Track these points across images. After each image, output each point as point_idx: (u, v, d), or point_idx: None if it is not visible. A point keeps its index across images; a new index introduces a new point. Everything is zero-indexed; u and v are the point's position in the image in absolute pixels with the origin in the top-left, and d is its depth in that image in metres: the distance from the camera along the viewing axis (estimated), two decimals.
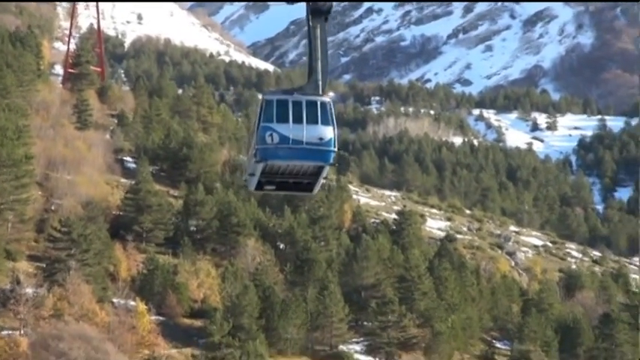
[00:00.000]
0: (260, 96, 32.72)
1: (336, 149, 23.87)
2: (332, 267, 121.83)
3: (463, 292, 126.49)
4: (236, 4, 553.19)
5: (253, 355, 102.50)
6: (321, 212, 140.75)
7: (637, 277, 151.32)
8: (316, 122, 23.14)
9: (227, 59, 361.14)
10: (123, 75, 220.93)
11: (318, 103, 23.33)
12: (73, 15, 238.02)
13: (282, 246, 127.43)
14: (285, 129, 22.80)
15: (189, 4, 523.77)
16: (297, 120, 22.91)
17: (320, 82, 23.76)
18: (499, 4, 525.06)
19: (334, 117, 24.03)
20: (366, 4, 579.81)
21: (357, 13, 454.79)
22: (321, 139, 23.06)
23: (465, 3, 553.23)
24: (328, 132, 23.33)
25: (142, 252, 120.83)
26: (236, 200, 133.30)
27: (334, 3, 25.21)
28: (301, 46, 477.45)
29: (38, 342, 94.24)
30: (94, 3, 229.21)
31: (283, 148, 22.81)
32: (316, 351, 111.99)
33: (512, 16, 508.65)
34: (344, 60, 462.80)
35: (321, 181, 25.38)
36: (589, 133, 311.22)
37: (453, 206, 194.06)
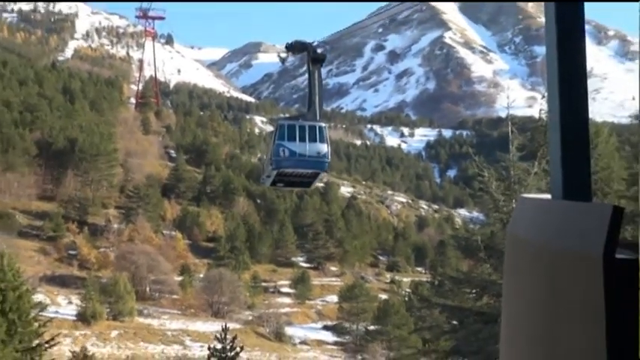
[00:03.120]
0: (272, 122, 31.54)
1: (329, 160, 23.44)
2: (287, 213, 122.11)
3: (361, 228, 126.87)
4: (234, 63, 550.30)
5: (242, 263, 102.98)
6: None
7: (459, 220, 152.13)
8: (315, 141, 22.43)
9: (228, 95, 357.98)
10: (169, 103, 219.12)
11: (317, 127, 22.63)
12: (140, 69, 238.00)
13: (259, 201, 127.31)
14: (293, 146, 22.17)
15: (206, 62, 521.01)
16: (302, 139, 22.29)
17: (317, 112, 23.10)
18: (382, 65, 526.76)
19: (328, 137, 23.15)
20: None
21: (303, 69, 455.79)
22: (319, 153, 22.40)
23: (364, 63, 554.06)
24: (324, 148, 22.60)
25: (179, 204, 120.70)
26: (233, 175, 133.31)
27: (327, 54, 23.91)
28: (271, 88, 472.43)
29: (120, 255, 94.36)
30: (154, 64, 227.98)
31: (292, 160, 22.19)
32: (278, 261, 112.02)
33: (389, 72, 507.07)
34: (294, 96, 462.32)
35: (317, 180, 25.05)
36: (432, 138, 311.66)
37: (356, 180, 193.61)
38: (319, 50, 23.10)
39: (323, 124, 23.13)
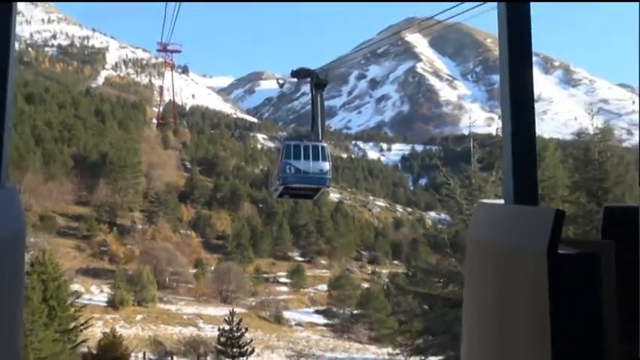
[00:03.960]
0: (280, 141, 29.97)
1: (330, 177, 22.96)
2: (285, 215, 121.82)
3: (347, 227, 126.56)
4: (240, 89, 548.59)
5: (246, 257, 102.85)
6: None
7: (429, 221, 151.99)
8: (318, 159, 21.97)
9: (235, 116, 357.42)
10: (185, 123, 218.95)
11: (319, 147, 22.14)
12: (161, 94, 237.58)
13: (260, 205, 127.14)
14: (298, 163, 21.77)
15: (216, 88, 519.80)
16: (306, 158, 21.85)
17: (320, 132, 22.59)
18: (364, 91, 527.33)
19: (329, 155, 22.62)
20: (303, 90, 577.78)
21: (298, 94, 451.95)
22: (321, 170, 21.99)
23: (349, 89, 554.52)
24: (326, 166, 22.19)
25: (194, 208, 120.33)
26: (239, 183, 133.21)
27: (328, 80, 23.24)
28: (271, 110, 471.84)
29: (143, 251, 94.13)
30: (172, 90, 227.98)
31: (297, 176, 21.82)
32: (277, 256, 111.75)
33: (370, 97, 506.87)
34: (291, 117, 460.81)
35: (319, 193, 24.34)
36: (406, 152, 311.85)
37: (342, 187, 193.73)
38: (321, 77, 22.74)
39: (325, 144, 22.65)
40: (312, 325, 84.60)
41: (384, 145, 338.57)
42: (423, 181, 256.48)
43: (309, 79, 22.51)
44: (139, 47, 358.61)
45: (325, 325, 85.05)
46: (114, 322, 67.24)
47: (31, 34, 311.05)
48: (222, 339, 59.86)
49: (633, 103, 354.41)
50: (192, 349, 62.32)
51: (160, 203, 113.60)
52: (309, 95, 22.98)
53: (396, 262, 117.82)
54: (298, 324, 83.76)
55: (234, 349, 59.23)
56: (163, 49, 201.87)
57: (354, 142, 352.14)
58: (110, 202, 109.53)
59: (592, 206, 43.23)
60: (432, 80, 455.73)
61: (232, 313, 63.99)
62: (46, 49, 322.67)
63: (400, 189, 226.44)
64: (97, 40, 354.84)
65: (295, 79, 24.22)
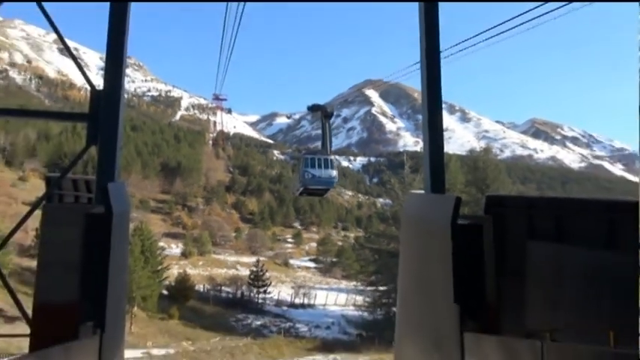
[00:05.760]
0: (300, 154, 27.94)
1: (337, 180, 20.98)
2: (290, 201, 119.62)
3: (328, 208, 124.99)
4: (263, 122, 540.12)
5: (267, 226, 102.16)
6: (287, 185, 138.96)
7: (379, 204, 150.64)
8: (328, 168, 20.43)
9: (259, 139, 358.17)
10: (229, 144, 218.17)
11: (329, 159, 20.55)
12: (214, 126, 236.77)
13: (275, 194, 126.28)
14: (314, 171, 20.30)
15: (249, 122, 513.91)
16: (320, 167, 20.37)
17: (328, 149, 20.86)
18: (339, 124, 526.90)
19: (336, 165, 20.90)
20: (302, 123, 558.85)
21: (299, 126, 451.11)
22: (330, 176, 20.33)
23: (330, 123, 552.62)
24: (334, 172, 20.43)
25: (234, 196, 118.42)
26: (262, 180, 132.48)
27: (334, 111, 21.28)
28: (282, 136, 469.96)
29: (203, 222, 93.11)
30: (221, 124, 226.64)
31: (313, 180, 20.19)
32: (285, 225, 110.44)
33: (343, 128, 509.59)
34: (294, 140, 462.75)
35: (329, 192, 22.12)
36: (365, 162, 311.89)
37: None
38: (329, 109, 21.12)
39: (333, 157, 21.16)
40: (307, 268, 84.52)
41: (352, 158, 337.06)
42: (375, 180, 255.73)
43: (319, 112, 20.93)
44: (202, 96, 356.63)
45: (315, 268, 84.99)
46: (184, 266, 66.99)
47: (135, 89, 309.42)
48: (252, 276, 60.00)
49: (504, 132, 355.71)
50: (233, 282, 62.25)
51: (213, 193, 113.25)
52: (308, 127, 22.34)
53: (359, 229, 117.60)
54: (298, 267, 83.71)
55: (259, 282, 59.37)
56: (216, 98, 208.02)
57: (333, 156, 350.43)
58: (183, 192, 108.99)
59: (478, 195, 43.51)
60: (381, 118, 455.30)
61: (258, 261, 64.19)
62: (144, 97, 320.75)
63: (361, 184, 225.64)
64: (175, 92, 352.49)
65: (297, 116, 23.61)
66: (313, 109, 21.20)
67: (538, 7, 9.26)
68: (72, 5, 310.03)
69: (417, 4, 8.63)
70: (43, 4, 7.48)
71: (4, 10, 7.46)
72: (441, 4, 8.26)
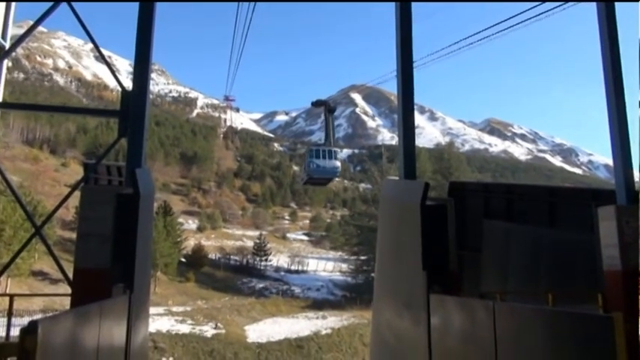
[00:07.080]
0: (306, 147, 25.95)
1: (339, 170, 20.08)
2: (288, 185, 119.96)
3: (319, 190, 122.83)
4: (265, 119, 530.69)
5: (268, 205, 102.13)
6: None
7: (361, 188, 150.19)
8: (331, 159, 19.59)
9: (262, 134, 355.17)
10: (237, 138, 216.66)
11: (332, 151, 19.73)
12: (225, 122, 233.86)
13: (276, 179, 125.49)
14: (319, 162, 19.31)
15: (254, 119, 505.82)
16: (324, 157, 19.39)
17: (332, 141, 20.19)
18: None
19: (338, 156, 20.13)
20: (298, 120, 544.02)
21: (295, 122, 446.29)
22: (333, 166, 19.49)
23: (321, 121, 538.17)
24: (337, 163, 19.65)
25: (241, 180, 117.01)
26: (264, 167, 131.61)
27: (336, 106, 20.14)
28: (281, 131, 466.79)
29: (215, 202, 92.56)
30: (230, 120, 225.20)
31: (318, 170, 19.19)
32: (283, 205, 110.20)
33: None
34: (291, 135, 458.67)
35: (331, 181, 21.27)
36: (350, 153, 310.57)
37: None
38: (331, 105, 20.41)
39: (336, 149, 20.21)
40: (301, 240, 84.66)
41: (339, 150, 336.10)
42: (358, 168, 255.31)
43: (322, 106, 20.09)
44: (214, 97, 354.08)
45: (308, 240, 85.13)
46: (199, 238, 66.90)
47: (158, 90, 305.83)
48: (255, 247, 60.08)
49: (464, 129, 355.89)
50: (240, 252, 62.27)
51: (223, 178, 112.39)
52: (303, 123, 21.80)
53: (344, 209, 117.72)
54: (294, 239, 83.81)
55: (261, 252, 59.50)
56: (226, 99, 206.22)
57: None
58: (198, 177, 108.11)
59: (443, 182, 43.67)
60: (363, 117, 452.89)
61: (260, 235, 64.21)
62: (166, 98, 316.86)
63: (347, 172, 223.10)
64: (192, 94, 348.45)
65: (294, 114, 23.10)
66: (317, 104, 20.26)
67: (498, 24, 9.43)
68: (107, 18, 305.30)
69: (393, 21, 8.67)
70: (82, 18, 7.51)
71: (48, 22, 7.49)
72: (414, 19, 8.35)
